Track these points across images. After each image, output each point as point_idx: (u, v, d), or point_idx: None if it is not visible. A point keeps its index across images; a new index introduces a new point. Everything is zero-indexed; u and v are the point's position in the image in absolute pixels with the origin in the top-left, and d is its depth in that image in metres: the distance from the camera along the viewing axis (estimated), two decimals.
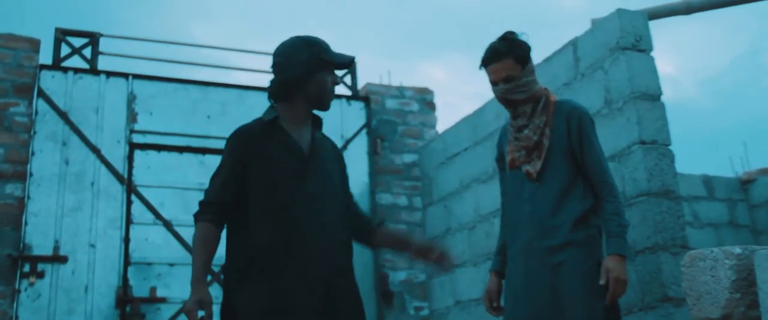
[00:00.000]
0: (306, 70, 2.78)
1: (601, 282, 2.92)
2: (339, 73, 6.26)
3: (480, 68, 3.23)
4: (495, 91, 3.22)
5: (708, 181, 6.84)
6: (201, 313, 2.48)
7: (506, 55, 3.13)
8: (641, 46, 3.96)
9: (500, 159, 3.43)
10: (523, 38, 3.20)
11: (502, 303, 3.30)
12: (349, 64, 2.90)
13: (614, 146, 3.90)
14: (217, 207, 2.67)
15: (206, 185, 2.78)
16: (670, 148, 3.80)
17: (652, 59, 3.95)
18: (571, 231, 3.04)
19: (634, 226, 3.70)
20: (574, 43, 4.34)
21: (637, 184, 3.73)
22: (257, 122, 2.83)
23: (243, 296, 2.58)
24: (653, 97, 3.86)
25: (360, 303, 2.80)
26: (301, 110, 2.84)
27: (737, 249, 2.46)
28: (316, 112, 2.91)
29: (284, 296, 2.57)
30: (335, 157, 2.98)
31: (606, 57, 4.03)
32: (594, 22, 4.24)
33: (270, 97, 2.87)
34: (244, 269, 2.62)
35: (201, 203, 2.72)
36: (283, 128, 2.79)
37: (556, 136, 3.15)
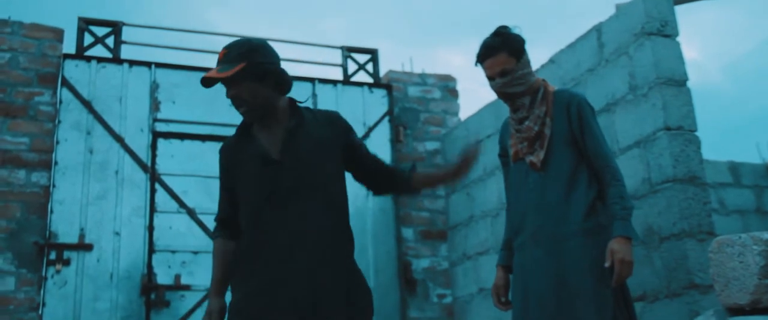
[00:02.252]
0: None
1: (606, 264, 2.91)
2: (361, 59, 6.28)
3: (476, 65, 3.25)
4: (492, 86, 3.23)
5: (734, 168, 6.76)
6: None
7: (500, 50, 3.15)
8: (667, 31, 3.91)
9: (503, 154, 3.43)
10: (516, 31, 3.21)
11: (509, 296, 3.29)
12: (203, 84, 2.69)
13: (639, 132, 3.87)
14: (224, 223, 2.82)
15: None
16: (696, 133, 3.76)
17: (677, 44, 3.91)
18: (581, 220, 3.02)
19: (660, 213, 3.67)
20: (598, 29, 4.30)
21: (662, 171, 3.69)
22: (234, 134, 2.86)
23: (231, 300, 2.70)
24: (679, 82, 3.82)
25: (343, 292, 2.65)
26: None
27: (766, 235, 2.44)
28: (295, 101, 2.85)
29: (250, 298, 2.62)
30: (333, 133, 2.83)
31: (631, 42, 3.99)
32: (618, 7, 4.19)
33: None
34: (234, 276, 2.73)
35: (215, 220, 2.88)
36: (251, 134, 2.79)
37: (557, 125, 3.15)
